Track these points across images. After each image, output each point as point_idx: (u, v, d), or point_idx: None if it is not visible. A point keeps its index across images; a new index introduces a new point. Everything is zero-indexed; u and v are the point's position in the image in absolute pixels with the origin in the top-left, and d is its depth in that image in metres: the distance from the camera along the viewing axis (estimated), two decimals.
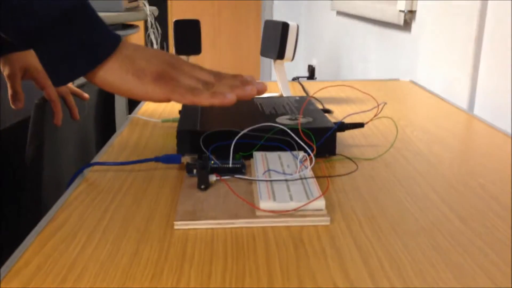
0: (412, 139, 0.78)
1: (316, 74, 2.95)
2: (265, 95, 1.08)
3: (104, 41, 0.56)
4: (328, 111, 0.96)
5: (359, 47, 1.87)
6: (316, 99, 1.06)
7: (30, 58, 0.95)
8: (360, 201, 0.56)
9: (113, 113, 1.27)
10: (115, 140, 0.79)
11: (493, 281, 0.41)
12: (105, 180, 0.62)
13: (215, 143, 0.66)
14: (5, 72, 0.93)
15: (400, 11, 1.36)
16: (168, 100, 0.57)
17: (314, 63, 2.68)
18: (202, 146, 0.66)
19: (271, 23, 1.04)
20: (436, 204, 0.56)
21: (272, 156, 0.64)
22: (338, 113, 0.95)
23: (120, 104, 1.99)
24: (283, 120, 0.72)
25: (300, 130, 0.67)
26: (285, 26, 1.01)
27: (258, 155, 0.64)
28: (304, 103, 0.79)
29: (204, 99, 0.56)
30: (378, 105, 0.87)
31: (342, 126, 0.76)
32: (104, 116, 1.25)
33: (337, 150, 0.71)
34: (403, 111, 0.96)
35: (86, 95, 1.04)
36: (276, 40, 1.02)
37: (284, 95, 1.07)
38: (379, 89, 1.16)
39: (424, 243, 0.47)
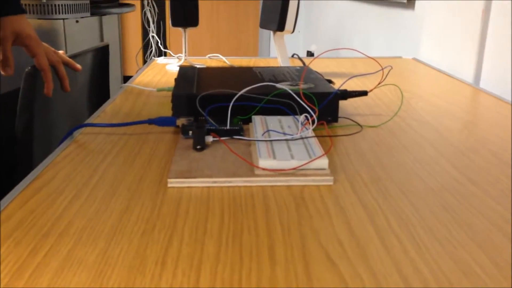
0: (417, 110, 0.75)
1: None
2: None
3: None
4: (329, 81, 0.93)
5: (361, 30, 1.84)
6: (316, 72, 1.03)
7: (23, 23, 0.91)
8: (365, 164, 0.53)
9: (108, 84, 1.24)
10: (108, 107, 0.76)
11: (510, 239, 0.39)
12: (96, 142, 0.59)
13: (212, 105, 0.63)
14: None
15: None
16: None
17: (313, 49, 2.64)
18: (199, 107, 0.62)
19: None
20: (446, 168, 0.53)
21: (272, 119, 0.61)
22: (340, 84, 0.91)
23: (115, 75, 1.95)
24: (283, 85, 0.69)
25: (301, 93, 0.64)
26: None
27: (257, 119, 0.61)
28: (304, 70, 0.76)
29: None
30: (382, 69, 0.83)
31: (345, 94, 0.73)
32: (98, 87, 1.22)
33: (339, 118, 0.68)
34: (407, 85, 0.93)
35: (78, 66, 1.00)
36: (277, 11, 0.98)
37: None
38: (380, 66, 1.13)
39: (434, 204, 0.44)
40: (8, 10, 0.90)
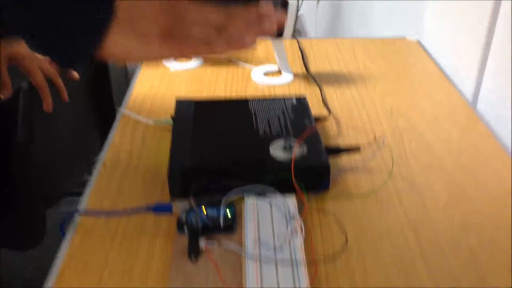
0: (408, 159, 0.76)
1: (309, 28, 2.80)
2: (263, 68, 1.04)
3: (97, 13, 0.48)
4: (321, 118, 0.89)
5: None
6: (312, 77, 1.02)
7: (15, 44, 0.90)
8: (348, 276, 0.57)
9: (110, 87, 1.23)
10: (108, 153, 0.78)
11: None
12: (96, 232, 0.63)
13: (207, 182, 0.66)
14: None
15: None
16: (181, 57, 0.53)
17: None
18: (192, 197, 0.64)
19: None
20: (419, 274, 0.56)
21: (263, 207, 0.64)
22: (337, 105, 0.91)
23: (118, 75, 1.90)
24: (277, 149, 0.70)
25: (293, 174, 0.65)
26: (284, 3, 0.94)
27: (249, 203, 0.64)
28: (303, 135, 0.76)
29: (220, 48, 0.51)
30: (375, 138, 0.82)
31: (338, 150, 0.75)
32: (100, 90, 1.21)
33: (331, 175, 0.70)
34: (402, 98, 0.92)
35: (76, 75, 1.00)
36: None
37: (283, 73, 1.03)
38: (382, 53, 1.11)
39: None
40: (2, 33, 0.88)
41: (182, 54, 0.51)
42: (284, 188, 0.66)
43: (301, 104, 0.82)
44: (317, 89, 0.97)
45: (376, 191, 0.70)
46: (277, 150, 0.70)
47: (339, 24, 2.38)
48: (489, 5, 0.90)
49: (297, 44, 1.17)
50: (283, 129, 0.75)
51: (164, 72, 1.05)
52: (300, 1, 0.94)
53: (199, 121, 0.77)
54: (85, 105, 1.18)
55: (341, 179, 0.72)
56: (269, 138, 0.72)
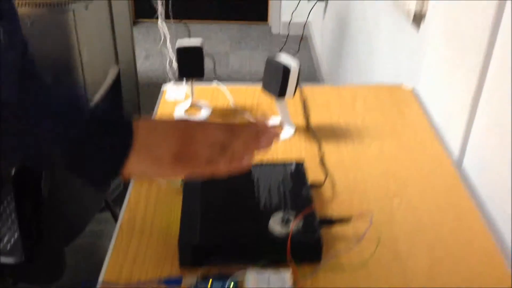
0: (395, 229, 0.84)
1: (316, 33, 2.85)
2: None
3: (120, 143, 0.56)
4: (321, 185, 0.96)
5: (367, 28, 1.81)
6: (313, 132, 1.09)
7: None
8: None
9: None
10: (124, 213, 0.87)
11: None
12: None
13: (213, 258, 0.75)
14: None
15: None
16: (189, 176, 0.61)
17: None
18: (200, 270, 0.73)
19: (273, 63, 1.04)
20: None
21: (262, 281, 0.72)
22: (334, 163, 0.99)
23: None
24: (276, 222, 0.78)
25: (288, 252, 0.74)
26: (286, 70, 1.02)
27: (250, 278, 0.73)
28: (301, 213, 0.84)
29: (223, 167, 0.60)
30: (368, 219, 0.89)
31: (331, 221, 0.83)
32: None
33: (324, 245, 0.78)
34: (394, 158, 1.00)
35: None
36: (278, 81, 1.03)
37: (285, 128, 1.11)
38: (379, 103, 1.18)
39: None
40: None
41: (190, 173, 0.59)
42: (281, 259, 0.75)
43: (299, 171, 0.90)
44: (316, 145, 1.05)
45: (365, 263, 0.78)
46: (276, 224, 0.78)
47: (346, 31, 2.45)
48: (480, 61, 0.96)
49: (300, 93, 1.24)
50: (282, 201, 0.83)
51: None
52: (300, 67, 1.02)
53: (207, 188, 0.85)
54: None
55: (333, 250, 0.80)
56: (269, 211, 0.81)
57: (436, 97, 1.18)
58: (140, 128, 0.58)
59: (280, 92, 1.04)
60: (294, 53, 3.47)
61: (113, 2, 1.89)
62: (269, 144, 0.61)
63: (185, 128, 0.60)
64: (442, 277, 0.75)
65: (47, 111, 0.54)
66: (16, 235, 1.17)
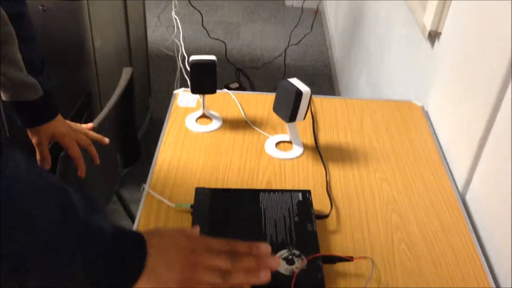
0: (395, 267, 0.88)
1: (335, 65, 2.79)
2: (276, 138, 1.13)
3: (132, 267, 0.60)
4: (326, 216, 0.98)
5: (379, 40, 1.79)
6: (320, 155, 1.11)
7: (56, 125, 1.01)
8: None
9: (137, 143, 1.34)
10: None
11: None
12: None
13: None
14: (33, 141, 1.00)
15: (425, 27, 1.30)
16: None
17: None
18: None
19: (284, 86, 1.05)
20: None
21: None
22: (339, 191, 1.02)
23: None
24: (281, 260, 0.82)
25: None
26: (298, 95, 1.03)
27: None
28: (306, 258, 0.87)
29: None
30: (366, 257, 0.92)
31: (333, 259, 0.86)
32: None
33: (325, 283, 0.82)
34: (398, 186, 1.02)
35: (106, 140, 1.11)
36: (289, 105, 1.05)
37: (294, 147, 1.12)
38: (388, 121, 1.19)
39: None
40: (46, 118, 0.99)
41: None
42: None
43: (306, 200, 0.93)
44: (323, 167, 1.07)
45: None
46: (281, 262, 0.82)
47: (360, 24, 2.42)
48: (495, 89, 0.96)
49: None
50: (288, 236, 0.86)
51: (185, 134, 1.15)
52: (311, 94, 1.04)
53: (215, 217, 0.88)
54: (114, 166, 1.30)
55: (335, 286, 0.84)
56: (275, 247, 0.84)
57: (446, 119, 1.20)
58: (151, 251, 0.61)
59: (291, 117, 1.05)
60: (308, 28, 3.44)
61: None
62: (267, 279, 0.64)
63: (191, 253, 0.63)
64: None
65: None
66: None
